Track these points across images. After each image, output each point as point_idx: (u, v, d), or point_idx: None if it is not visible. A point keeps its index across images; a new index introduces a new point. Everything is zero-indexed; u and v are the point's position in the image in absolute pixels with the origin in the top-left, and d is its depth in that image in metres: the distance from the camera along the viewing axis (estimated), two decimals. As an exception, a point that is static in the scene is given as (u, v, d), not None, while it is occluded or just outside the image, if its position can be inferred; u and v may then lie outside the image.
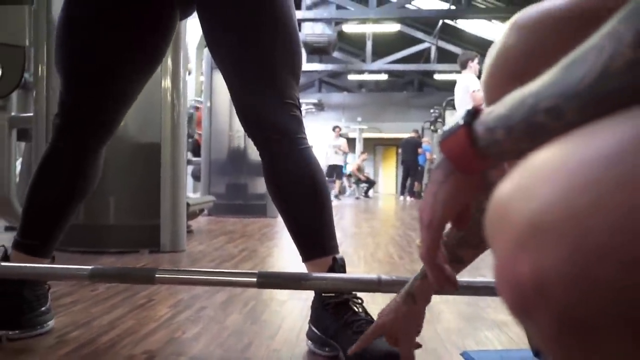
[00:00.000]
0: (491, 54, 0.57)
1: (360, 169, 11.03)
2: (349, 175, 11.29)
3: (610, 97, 0.30)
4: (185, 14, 1.06)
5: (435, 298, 1.39)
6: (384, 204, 8.32)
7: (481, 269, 2.02)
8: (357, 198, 10.23)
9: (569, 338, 0.28)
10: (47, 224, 1.05)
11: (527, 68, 0.39)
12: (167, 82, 2.24)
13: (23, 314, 1.00)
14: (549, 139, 0.31)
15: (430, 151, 10.10)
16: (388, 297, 1.43)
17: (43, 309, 1.04)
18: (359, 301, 0.92)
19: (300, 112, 0.97)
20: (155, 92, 2.24)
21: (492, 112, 0.41)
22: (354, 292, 0.92)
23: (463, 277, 0.80)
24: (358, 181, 11.03)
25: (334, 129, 10.11)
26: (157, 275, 0.84)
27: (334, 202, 7.81)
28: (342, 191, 10.21)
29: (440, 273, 0.54)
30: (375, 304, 1.32)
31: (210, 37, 0.98)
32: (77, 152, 1.03)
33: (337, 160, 10.02)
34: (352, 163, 11.46)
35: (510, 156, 0.40)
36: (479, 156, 0.43)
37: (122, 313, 1.21)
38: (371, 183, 11.46)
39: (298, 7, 9.09)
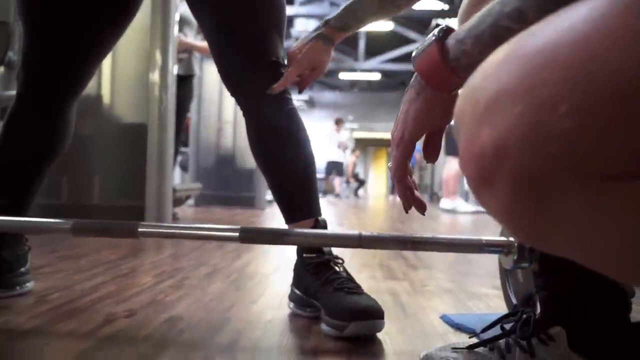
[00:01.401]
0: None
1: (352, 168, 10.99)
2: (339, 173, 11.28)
3: None
4: None
5: (419, 275, 1.41)
6: (373, 202, 8.34)
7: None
8: (347, 197, 10.24)
9: (524, 197, 0.29)
10: (18, 182, 1.03)
11: None
12: (155, 76, 2.21)
13: (1, 274, 0.99)
14: None
15: (420, 151, 10.12)
16: (371, 271, 1.44)
17: (22, 269, 1.03)
18: (340, 261, 0.92)
19: (284, 70, 0.96)
20: (142, 72, 2.22)
21: (464, 25, 0.42)
22: (335, 254, 0.93)
23: (442, 235, 0.81)
24: (349, 180, 11.03)
25: (336, 122, 9.26)
26: (139, 229, 0.84)
27: (331, 200, 7.79)
28: (331, 190, 10.08)
29: (407, 191, 0.56)
30: (358, 279, 1.33)
31: (194, 3, 0.96)
32: (44, 108, 1.00)
33: (339, 156, 9.32)
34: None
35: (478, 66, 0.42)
36: (449, 69, 0.44)
37: (104, 280, 1.20)
38: (361, 182, 11.48)
39: (291, 2, 9.09)
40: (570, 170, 0.27)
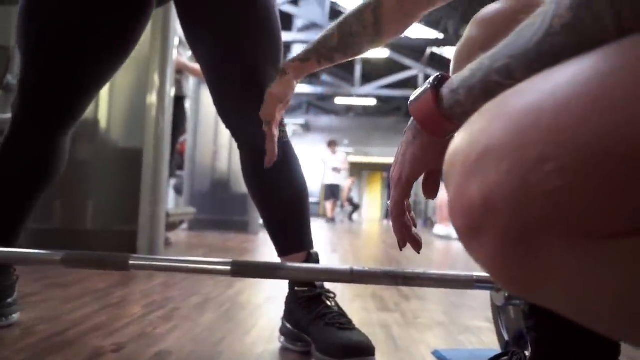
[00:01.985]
0: (458, 47, 0.64)
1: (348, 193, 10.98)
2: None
3: (552, 54, 0.34)
4: (162, 1, 1.03)
5: (411, 306, 1.40)
6: (368, 227, 8.32)
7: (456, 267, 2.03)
8: (341, 221, 10.22)
9: (513, 251, 0.30)
10: (6, 212, 1.01)
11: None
12: (152, 98, 2.22)
13: (-12, 304, 0.97)
14: None
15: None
16: (363, 302, 1.43)
17: (9, 300, 1.02)
18: (332, 295, 0.92)
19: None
20: (139, 96, 2.24)
21: (457, 76, 0.44)
22: (326, 288, 0.93)
23: (433, 270, 0.82)
24: (343, 204, 11.01)
25: (329, 145, 9.02)
26: (131, 262, 0.83)
27: (324, 225, 7.75)
28: (325, 214, 10.02)
29: (404, 229, 0.57)
30: (350, 310, 1.32)
31: (189, 33, 0.97)
32: (38, 136, 0.99)
33: (337, 179, 9.01)
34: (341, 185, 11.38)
35: (470, 116, 0.43)
36: (443, 117, 0.46)
37: (93, 310, 1.19)
38: (355, 206, 11.47)
39: (289, 29, 9.25)
40: (556, 227, 0.28)
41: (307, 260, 0.93)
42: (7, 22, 1.96)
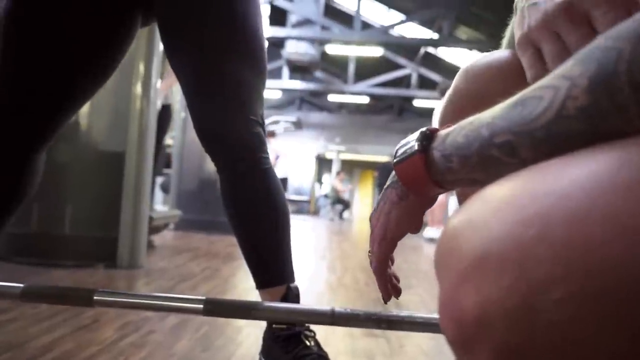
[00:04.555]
0: (445, 97, 0.63)
1: (338, 190, 11.17)
2: (326, 196, 11.30)
3: (564, 138, 0.30)
4: (147, 22, 1.00)
5: (397, 332, 1.36)
6: (358, 226, 8.30)
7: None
8: (331, 219, 10.19)
9: None
10: None
11: (475, 109, 0.39)
12: (137, 88, 2.17)
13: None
14: (503, 171, 0.31)
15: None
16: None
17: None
18: (312, 334, 0.87)
19: (264, 129, 0.93)
20: (124, 96, 2.17)
21: (449, 137, 0.40)
22: (306, 325, 0.87)
23: (421, 313, 0.77)
24: (336, 201, 11.02)
25: (337, 174, 11.87)
26: (95, 298, 0.78)
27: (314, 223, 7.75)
28: (316, 211, 10.20)
29: (388, 284, 0.57)
30: (334, 334, 1.28)
31: (170, 48, 0.92)
32: (13, 152, 0.93)
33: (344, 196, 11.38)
34: (327, 183, 11.68)
35: (464, 183, 0.39)
36: (433, 182, 0.42)
37: (62, 334, 1.12)
38: (346, 205, 11.45)
39: (283, 24, 9.16)
40: (559, 358, 0.24)
41: (285, 295, 0.87)
42: None
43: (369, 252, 0.57)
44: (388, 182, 0.52)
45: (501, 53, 0.61)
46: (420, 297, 1.94)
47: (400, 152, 0.47)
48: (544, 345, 0.24)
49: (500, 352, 0.26)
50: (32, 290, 0.79)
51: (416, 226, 0.53)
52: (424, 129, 0.44)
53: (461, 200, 0.67)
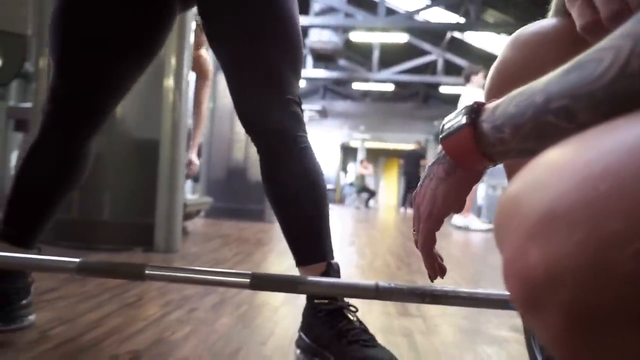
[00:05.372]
0: (492, 68, 0.62)
1: (363, 174, 11.24)
2: (351, 184, 11.32)
3: (626, 98, 0.29)
4: (186, 7, 1.03)
5: (432, 311, 1.36)
6: (384, 215, 8.28)
7: (480, 282, 1.98)
8: (357, 208, 10.18)
9: (579, 332, 0.25)
10: (32, 214, 1.01)
11: (523, 78, 0.39)
12: (169, 81, 2.21)
13: (1, 307, 0.96)
14: (558, 138, 0.30)
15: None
16: (383, 306, 1.40)
17: (23, 302, 1.01)
18: (354, 309, 0.88)
19: (301, 109, 0.94)
20: (156, 88, 2.21)
21: (498, 108, 0.39)
22: (347, 301, 0.89)
23: (463, 288, 0.77)
24: (361, 190, 11.02)
25: (361, 162, 12.20)
26: (147, 272, 0.80)
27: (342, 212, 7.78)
28: (341, 200, 10.19)
29: (435, 262, 0.57)
30: (370, 313, 1.29)
31: (211, 33, 0.95)
32: (67, 140, 0.99)
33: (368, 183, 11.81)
34: (352, 172, 11.74)
35: (514, 154, 0.39)
36: (482, 154, 0.41)
37: (109, 311, 1.17)
38: (372, 193, 11.42)
39: (306, 12, 9.11)
40: (635, 315, 0.24)
41: (326, 272, 0.89)
42: (24, 11, 1.93)
43: (414, 230, 0.57)
44: (434, 159, 0.53)
45: (548, 21, 0.60)
46: (454, 281, 1.93)
47: (447, 126, 0.47)
48: (619, 299, 0.23)
49: (570, 310, 0.25)
50: (87, 265, 0.82)
51: (461, 204, 0.53)
52: (471, 102, 0.45)
53: (510, 173, 0.66)
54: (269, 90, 0.89)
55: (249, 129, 0.93)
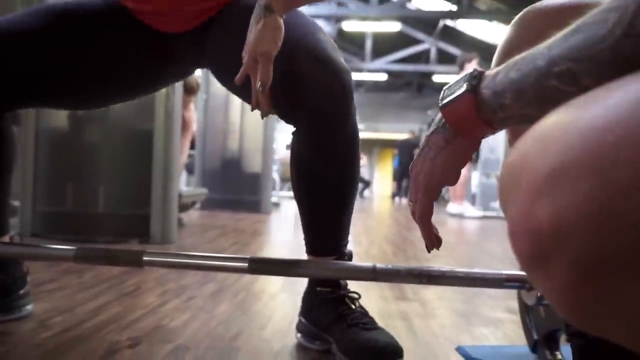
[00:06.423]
0: (499, 47, 0.62)
1: None
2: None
3: (631, 59, 0.29)
4: (194, 67, 1.07)
5: (428, 295, 1.38)
6: (379, 205, 8.30)
7: (475, 267, 2.00)
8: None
9: (587, 282, 0.25)
10: None
11: None
12: None
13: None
14: (561, 103, 0.30)
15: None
16: (380, 290, 1.41)
17: (21, 292, 1.00)
18: (356, 296, 0.88)
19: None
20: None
21: (499, 75, 0.39)
22: (349, 288, 0.89)
23: (459, 268, 0.78)
24: None
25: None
26: (144, 258, 0.81)
27: None
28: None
29: (432, 233, 0.58)
30: (368, 298, 1.30)
31: (225, 82, 0.98)
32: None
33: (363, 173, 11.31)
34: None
35: (515, 121, 0.39)
36: (483, 121, 0.41)
37: (107, 300, 1.17)
38: (366, 183, 11.44)
39: (298, 3, 9.03)
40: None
41: (339, 258, 0.87)
42: (14, 8, 1.91)
43: (409, 201, 0.57)
44: (432, 128, 0.52)
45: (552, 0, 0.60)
46: (450, 266, 1.95)
47: (447, 94, 0.46)
48: (627, 248, 0.23)
49: (578, 260, 0.25)
50: (84, 252, 0.82)
51: (458, 174, 0.53)
52: (471, 70, 0.44)
53: (512, 140, 0.66)
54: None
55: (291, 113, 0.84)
